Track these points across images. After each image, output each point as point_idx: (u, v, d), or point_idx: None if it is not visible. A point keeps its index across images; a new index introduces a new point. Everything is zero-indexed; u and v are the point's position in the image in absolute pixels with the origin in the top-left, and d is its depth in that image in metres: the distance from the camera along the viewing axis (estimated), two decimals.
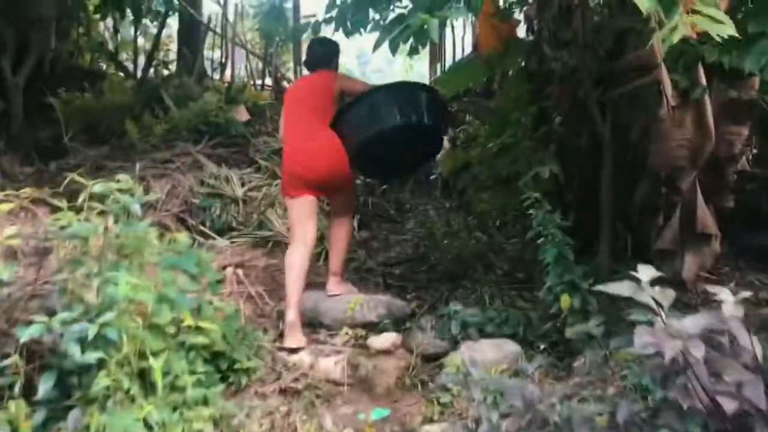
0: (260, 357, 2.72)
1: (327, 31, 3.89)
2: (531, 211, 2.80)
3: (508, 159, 3.68)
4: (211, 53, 9.34)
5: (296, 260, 3.30)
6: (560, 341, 2.84)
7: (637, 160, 3.74)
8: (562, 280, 2.62)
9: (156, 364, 2.11)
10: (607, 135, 3.46)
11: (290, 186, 3.49)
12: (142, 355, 2.12)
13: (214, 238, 4.25)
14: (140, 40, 8.81)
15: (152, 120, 6.01)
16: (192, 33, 8.28)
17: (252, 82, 8.15)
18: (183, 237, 2.53)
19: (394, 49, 2.71)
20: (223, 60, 8.49)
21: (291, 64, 9.04)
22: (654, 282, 1.51)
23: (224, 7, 8.39)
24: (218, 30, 8.58)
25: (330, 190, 3.57)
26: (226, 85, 7.42)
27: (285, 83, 8.98)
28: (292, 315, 3.10)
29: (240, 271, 3.63)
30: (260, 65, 9.05)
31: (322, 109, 3.43)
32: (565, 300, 2.60)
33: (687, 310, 3.30)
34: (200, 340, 2.31)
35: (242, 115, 6.44)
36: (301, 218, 3.44)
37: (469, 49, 9.25)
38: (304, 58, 3.91)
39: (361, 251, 4.32)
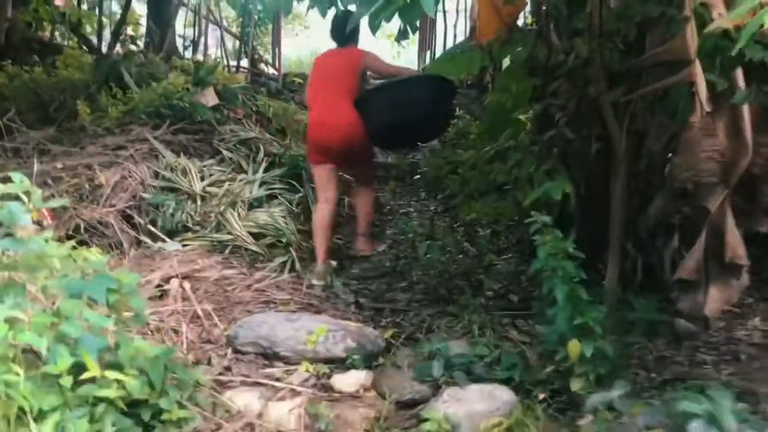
0: (196, 402, 2.22)
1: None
2: (536, 238, 2.32)
3: (505, 164, 3.19)
4: (185, 30, 8.78)
5: (322, 217, 3.81)
6: (563, 389, 2.37)
7: (653, 170, 3.29)
8: (572, 323, 2.14)
9: (44, 429, 1.61)
10: (622, 142, 2.99)
11: (314, 153, 3.99)
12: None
13: (163, 241, 3.73)
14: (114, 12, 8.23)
15: (109, 100, 5.45)
16: (162, 6, 7.70)
17: (226, 63, 7.57)
18: (95, 255, 2.00)
19: (374, 28, 2.21)
20: (196, 38, 7.92)
21: (269, 45, 8.49)
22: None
23: None
24: (191, 4, 8.00)
25: (349, 161, 4.02)
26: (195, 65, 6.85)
27: (263, 65, 8.44)
28: (320, 266, 3.61)
29: (187, 285, 3.12)
30: (237, 45, 8.50)
31: (347, 85, 3.92)
32: (574, 347, 2.13)
33: (709, 350, 2.88)
34: (110, 392, 1.80)
35: (210, 98, 5.89)
36: (323, 182, 3.92)
37: (462, 36, 8.77)
38: (331, 31, 4.18)
39: (332, 261, 3.83)
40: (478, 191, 3.55)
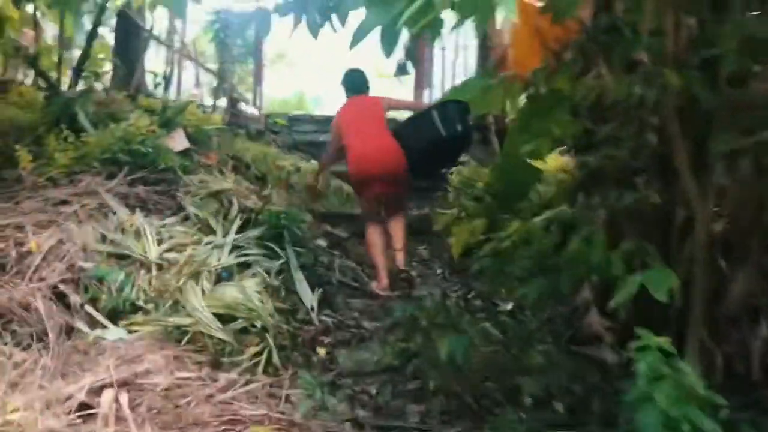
0: None
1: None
2: (637, 361, 1.57)
3: (555, 236, 2.46)
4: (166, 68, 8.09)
5: (376, 238, 4.37)
6: None
7: (733, 236, 2.60)
8: None
9: None
10: (707, 205, 2.29)
11: (361, 186, 4.56)
12: None
13: (104, 327, 2.95)
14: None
15: (58, 145, 4.69)
16: (129, 39, 7.02)
17: (200, 103, 6.87)
18: None
19: (391, 42, 1.51)
20: (168, 74, 7.22)
21: (250, 81, 7.83)
22: None
23: (172, 12, 7.14)
24: (163, 37, 7.34)
25: (393, 183, 4.50)
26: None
27: (242, 105, 7.75)
28: (384, 279, 4.15)
29: (125, 398, 2.32)
30: (214, 83, 7.82)
31: (382, 122, 4.63)
32: None
33: None
34: None
35: (178, 142, 5.17)
36: (372, 207, 4.54)
37: (462, 74, 8.19)
38: (345, 82, 4.94)
39: (321, 349, 3.05)
40: (522, 270, 2.79)
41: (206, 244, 3.54)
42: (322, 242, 3.96)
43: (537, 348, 3.00)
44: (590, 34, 2.39)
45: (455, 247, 2.38)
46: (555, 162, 4.98)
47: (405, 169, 4.51)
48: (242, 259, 3.43)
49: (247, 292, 3.13)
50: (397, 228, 4.50)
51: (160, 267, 3.37)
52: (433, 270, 4.46)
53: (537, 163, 4.93)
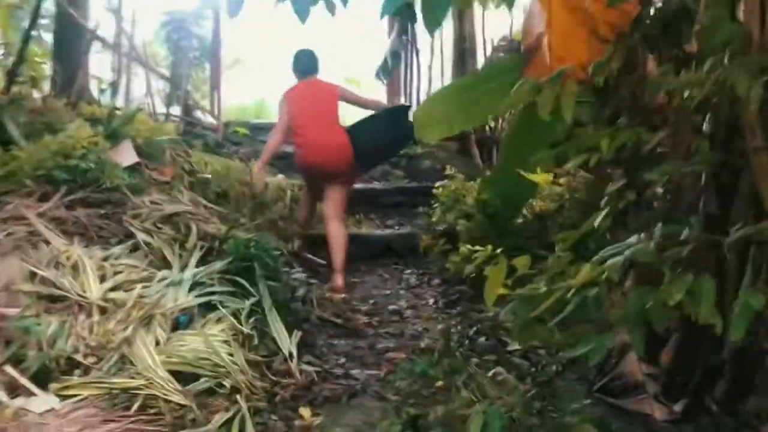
0: None
1: None
2: None
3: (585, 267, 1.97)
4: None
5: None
6: None
7: None
8: None
9: None
10: None
11: (305, 174, 4.84)
12: None
13: (30, 393, 2.36)
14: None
15: None
16: (70, 41, 6.37)
17: (152, 111, 6.25)
18: None
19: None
20: (115, 80, 6.58)
21: (206, 88, 7.23)
22: None
23: (118, 10, 6.51)
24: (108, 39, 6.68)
25: (337, 177, 4.60)
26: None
27: (199, 113, 7.15)
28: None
29: None
30: (167, 90, 7.21)
31: (334, 112, 4.71)
32: None
33: None
34: None
35: (126, 156, 4.57)
36: (304, 202, 4.98)
37: (440, 80, 7.74)
38: (295, 64, 4.95)
39: (305, 410, 2.51)
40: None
41: (160, 280, 2.97)
42: (298, 272, 3.41)
43: (565, 399, 2.52)
44: (646, 21, 1.93)
45: (489, 294, 1.94)
46: (543, 175, 4.59)
47: (351, 166, 4.67)
48: (205, 299, 2.86)
49: (211, 341, 2.57)
50: (334, 239, 4.45)
51: (103, 311, 2.79)
52: (424, 299, 3.95)
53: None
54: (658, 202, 2.47)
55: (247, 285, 3.00)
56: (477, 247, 2.55)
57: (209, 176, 5.19)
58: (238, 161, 6.18)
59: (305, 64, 4.88)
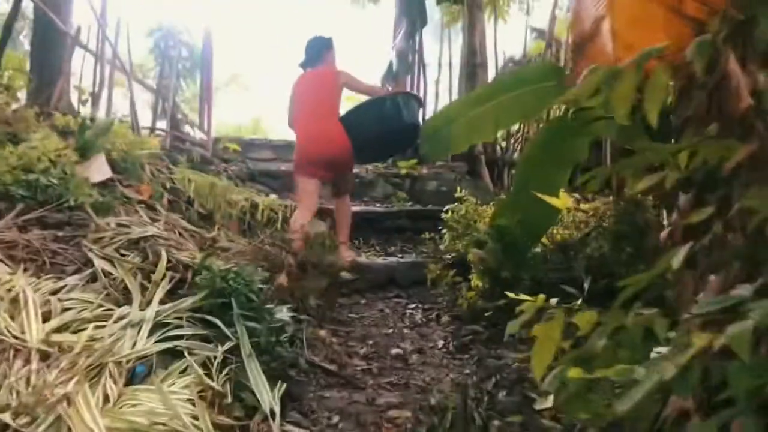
0: None
1: None
2: None
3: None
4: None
5: (303, 221, 4.43)
6: None
7: None
8: None
9: None
10: None
11: (305, 166, 4.68)
12: None
13: None
14: None
15: None
16: (49, 48, 5.95)
17: (134, 124, 5.79)
18: None
19: None
20: (96, 89, 6.13)
21: (196, 103, 6.78)
22: None
23: (102, 16, 6.07)
24: (91, 46, 6.24)
25: (336, 169, 4.73)
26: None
27: (188, 128, 6.71)
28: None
29: None
30: (156, 101, 6.76)
31: (329, 102, 4.71)
32: None
33: None
34: None
35: (98, 171, 4.12)
36: (310, 194, 4.65)
37: (443, 93, 7.32)
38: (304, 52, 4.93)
39: None
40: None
41: (118, 319, 2.49)
42: (285, 309, 2.91)
43: None
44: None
45: (538, 364, 1.52)
46: (564, 200, 4.14)
47: (348, 154, 4.64)
48: (169, 344, 2.37)
49: (171, 400, 2.08)
50: (341, 215, 4.81)
51: (45, 356, 2.30)
52: (432, 341, 3.46)
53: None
54: (734, 235, 2.00)
55: (222, 326, 2.51)
56: (523, 297, 2.06)
57: (192, 195, 4.73)
58: (227, 179, 5.73)
59: (310, 52, 4.88)
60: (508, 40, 8.99)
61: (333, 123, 4.59)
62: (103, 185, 4.07)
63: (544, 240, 4.24)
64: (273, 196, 5.93)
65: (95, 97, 6.11)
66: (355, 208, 5.54)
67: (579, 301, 3.45)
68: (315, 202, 4.69)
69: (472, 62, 6.67)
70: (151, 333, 2.42)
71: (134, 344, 2.34)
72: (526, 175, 4.01)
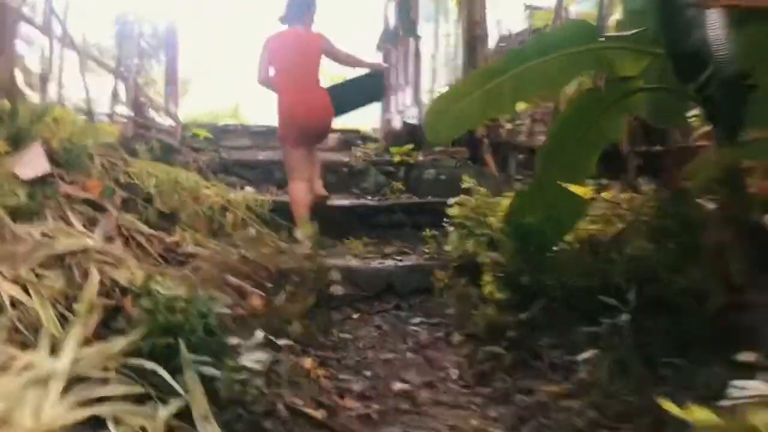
0: None
1: None
2: None
3: None
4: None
5: (302, 195, 4.50)
6: None
7: None
8: None
9: None
10: None
11: (291, 137, 4.64)
12: None
13: None
14: None
15: None
16: None
17: (88, 110, 5.08)
18: None
19: None
20: (46, 71, 5.39)
21: (161, 85, 6.07)
22: None
23: None
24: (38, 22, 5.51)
25: (320, 136, 4.87)
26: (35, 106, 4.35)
27: (152, 112, 6.00)
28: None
29: None
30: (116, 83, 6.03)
31: (315, 67, 4.64)
32: None
33: None
34: None
35: (33, 164, 3.42)
36: (303, 162, 4.63)
37: (440, 67, 6.63)
38: (287, 6, 4.72)
39: None
40: None
41: (22, 370, 1.82)
42: (260, 336, 2.25)
43: None
44: None
45: None
46: (583, 189, 3.58)
47: (331, 121, 4.75)
48: (88, 410, 1.70)
49: None
50: (314, 158, 4.82)
51: None
52: (444, 369, 2.82)
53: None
54: None
55: (167, 377, 1.85)
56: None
57: (153, 191, 4.05)
58: (196, 172, 5.05)
59: (293, 8, 4.68)
60: (500, 17, 8.36)
61: (321, 93, 4.58)
62: (41, 181, 3.39)
63: (568, 237, 3.63)
64: (249, 189, 5.27)
65: (44, 80, 5.38)
66: (343, 202, 4.91)
67: (624, 316, 2.78)
68: (307, 169, 4.63)
69: (473, 35, 5.99)
70: (65, 391, 1.75)
71: (39, 411, 1.68)
72: (549, 160, 3.43)
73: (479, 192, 3.95)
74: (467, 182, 3.93)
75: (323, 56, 4.67)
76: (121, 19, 5.72)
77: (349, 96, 4.76)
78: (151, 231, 3.60)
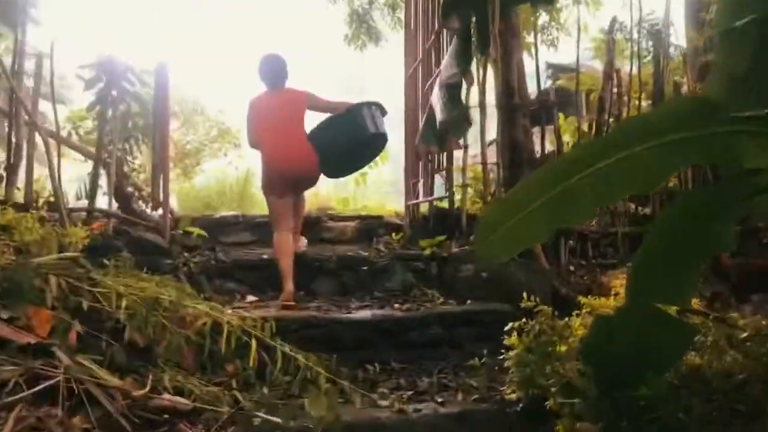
0: None
1: None
2: None
3: None
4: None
5: (287, 246, 4.67)
6: None
7: None
8: None
9: None
10: None
11: (272, 188, 4.84)
12: None
13: None
14: None
15: None
16: None
17: (61, 203, 4.33)
18: None
19: None
20: (11, 157, 4.70)
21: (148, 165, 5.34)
22: None
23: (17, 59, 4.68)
24: None
25: (303, 185, 5.08)
26: None
27: (140, 203, 5.29)
28: (290, 285, 4.41)
29: None
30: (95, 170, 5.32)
31: (298, 121, 4.87)
32: None
33: None
34: None
35: None
36: (284, 212, 4.82)
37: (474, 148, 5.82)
38: (262, 71, 5.02)
39: None
40: None
41: None
42: None
43: None
44: None
45: None
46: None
47: (316, 171, 4.92)
48: None
49: None
50: (298, 212, 5.11)
51: None
52: None
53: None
54: None
55: None
56: None
57: (122, 317, 3.26)
58: (186, 279, 4.27)
59: (271, 73, 4.99)
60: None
61: (303, 142, 4.79)
62: None
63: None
64: (251, 299, 4.46)
65: (10, 170, 4.70)
66: (363, 314, 4.07)
67: None
68: (290, 220, 4.85)
69: (510, 103, 5.27)
70: None
71: None
72: (642, 277, 2.63)
73: (543, 312, 3.11)
74: (529, 300, 3.09)
75: (308, 111, 4.96)
76: (101, 93, 5.05)
77: (327, 136, 4.87)
78: (115, 381, 2.80)
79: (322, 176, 5.09)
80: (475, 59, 5.01)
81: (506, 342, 3.05)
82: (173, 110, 10.92)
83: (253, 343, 3.38)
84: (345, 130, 4.91)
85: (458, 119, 4.82)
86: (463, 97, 4.87)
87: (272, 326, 3.51)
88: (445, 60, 5.12)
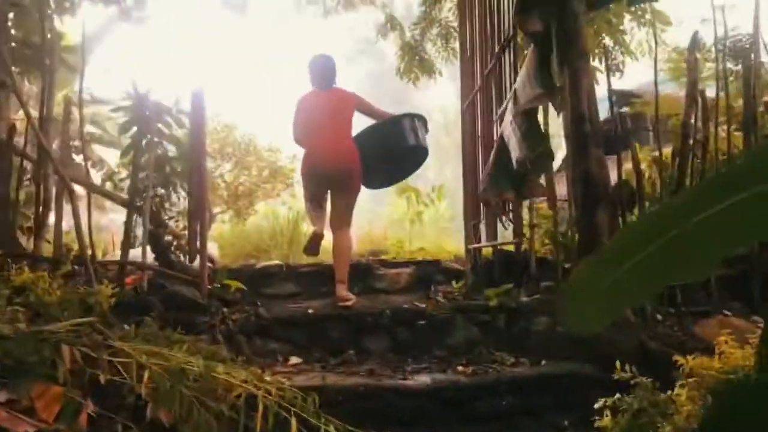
0: None
1: None
2: None
3: None
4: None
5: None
6: None
7: None
8: None
9: None
10: None
11: (310, 183, 5.07)
12: None
13: None
14: None
15: None
16: None
17: (83, 259, 4.00)
18: None
19: None
20: (41, 211, 4.42)
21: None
22: None
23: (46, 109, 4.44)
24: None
25: (343, 187, 4.99)
26: None
27: (179, 254, 4.95)
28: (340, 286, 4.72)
29: None
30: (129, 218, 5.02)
31: (344, 119, 5.01)
32: None
33: None
34: None
35: None
36: (317, 212, 5.10)
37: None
38: (313, 70, 5.22)
39: None
40: None
41: None
42: None
43: None
44: None
45: None
46: None
47: (357, 172, 4.97)
48: None
49: None
50: (341, 249, 4.96)
51: None
52: None
53: None
54: None
55: None
56: None
57: (143, 392, 2.85)
58: (224, 339, 3.86)
59: (322, 74, 5.17)
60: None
61: (348, 141, 4.95)
62: None
63: None
64: (294, 361, 4.02)
65: (38, 223, 4.42)
66: (421, 380, 3.57)
67: None
68: (323, 222, 5.05)
69: (581, 131, 4.77)
70: None
71: None
72: None
73: (642, 385, 2.57)
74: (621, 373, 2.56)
75: (357, 113, 5.11)
76: (135, 138, 4.77)
77: (367, 143, 4.98)
78: None
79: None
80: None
81: (597, 425, 2.52)
82: (226, 152, 10.72)
83: (293, 421, 2.93)
84: (385, 139, 5.09)
85: (542, 155, 4.22)
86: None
87: (315, 400, 3.05)
88: (519, 78, 4.53)
